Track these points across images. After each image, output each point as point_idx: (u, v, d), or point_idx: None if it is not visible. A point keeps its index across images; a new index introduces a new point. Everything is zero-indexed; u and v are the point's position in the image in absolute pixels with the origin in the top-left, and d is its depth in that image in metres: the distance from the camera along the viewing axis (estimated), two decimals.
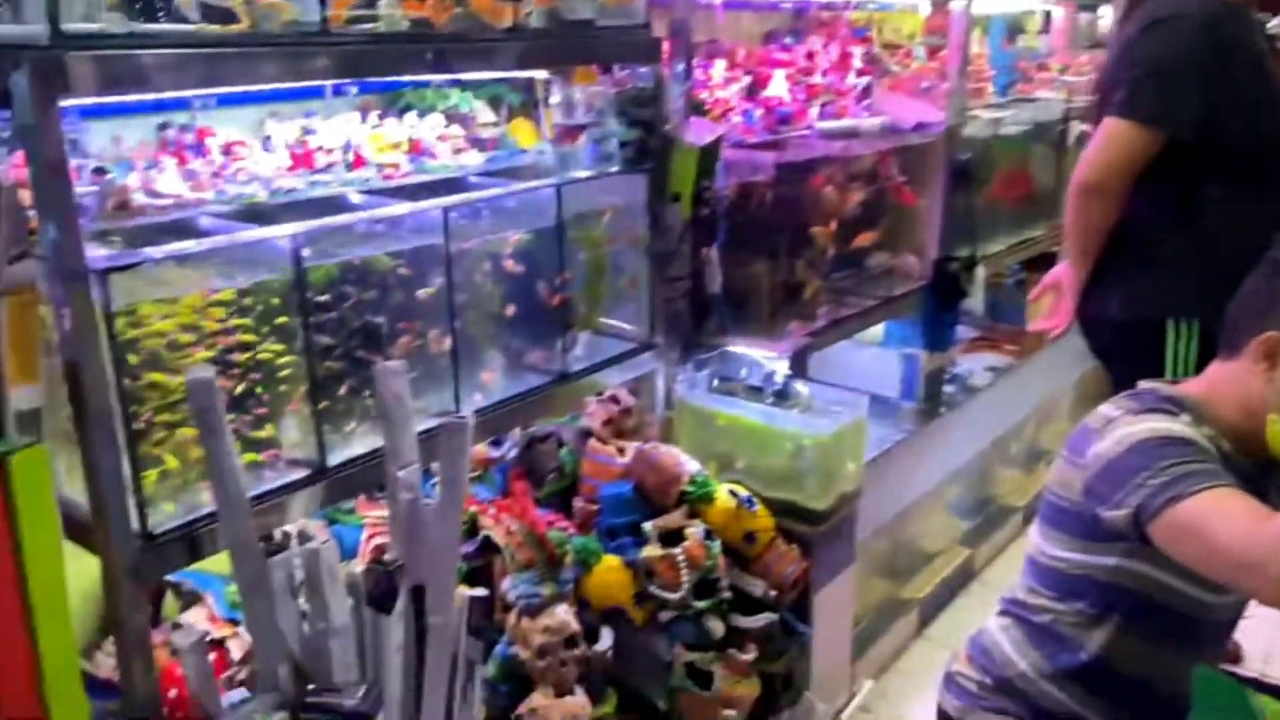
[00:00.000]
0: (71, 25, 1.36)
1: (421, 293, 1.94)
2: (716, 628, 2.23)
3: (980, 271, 3.37)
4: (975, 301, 3.41)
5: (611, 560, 2.22)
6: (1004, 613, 1.81)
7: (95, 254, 1.45)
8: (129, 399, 1.50)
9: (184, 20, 1.50)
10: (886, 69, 3.31)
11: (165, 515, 1.58)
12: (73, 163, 1.46)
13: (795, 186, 2.73)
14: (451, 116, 2.37)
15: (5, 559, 1.24)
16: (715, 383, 2.60)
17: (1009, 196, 3.77)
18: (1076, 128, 3.89)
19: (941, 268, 3.28)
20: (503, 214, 2.12)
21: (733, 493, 2.33)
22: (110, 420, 1.44)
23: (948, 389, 3.51)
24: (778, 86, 3.00)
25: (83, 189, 1.65)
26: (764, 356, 2.54)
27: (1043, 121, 3.80)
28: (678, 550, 2.18)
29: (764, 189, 2.65)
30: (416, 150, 2.20)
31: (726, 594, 2.24)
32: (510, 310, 2.13)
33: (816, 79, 3.17)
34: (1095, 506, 1.56)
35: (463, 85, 2.48)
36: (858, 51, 3.29)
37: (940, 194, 3.28)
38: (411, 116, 2.28)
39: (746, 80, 3.00)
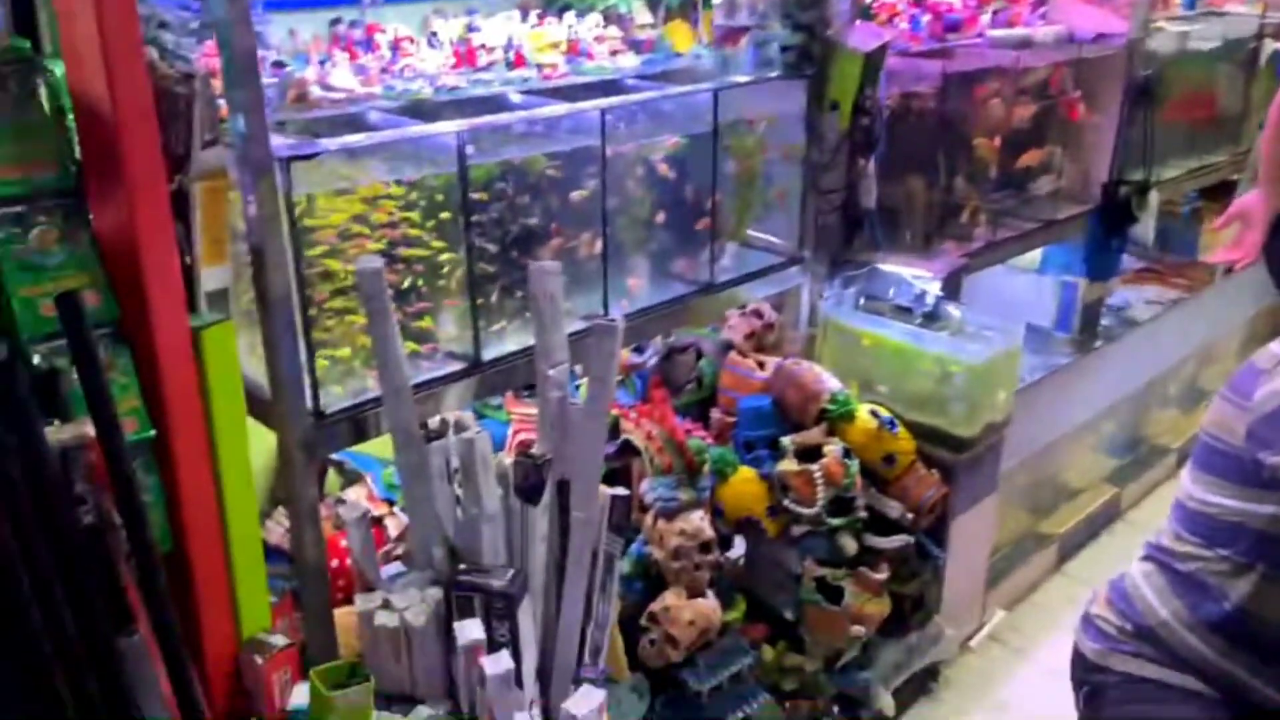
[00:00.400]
0: None
1: (575, 195, 1.95)
2: (849, 545, 2.23)
3: (1154, 197, 3.16)
4: (1144, 229, 3.19)
5: (747, 472, 2.23)
6: (1147, 558, 1.74)
7: (277, 143, 1.51)
8: (306, 284, 1.57)
9: None
10: None
11: (335, 397, 1.67)
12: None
13: (961, 98, 2.59)
14: (609, 17, 2.34)
15: (197, 424, 1.34)
16: (862, 301, 2.54)
17: (1190, 119, 3.49)
18: (1270, 46, 3.56)
19: (1112, 191, 3.08)
20: (658, 118, 2.09)
21: (874, 413, 2.30)
22: (290, 303, 1.52)
23: (1105, 321, 3.34)
24: None
25: (265, 81, 1.71)
26: (915, 276, 2.46)
27: (1233, 39, 3.48)
28: (815, 467, 2.17)
29: (928, 100, 2.53)
30: (574, 51, 2.18)
31: (862, 514, 2.22)
32: (660, 217, 2.13)
33: None
34: (1257, 451, 1.47)
35: None
36: None
37: (1116, 112, 3.06)
38: (570, 16, 2.26)
39: None
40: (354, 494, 2.09)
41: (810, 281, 2.47)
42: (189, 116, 1.33)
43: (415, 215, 1.72)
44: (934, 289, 2.44)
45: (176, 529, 1.33)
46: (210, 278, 1.43)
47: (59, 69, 1.23)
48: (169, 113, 1.32)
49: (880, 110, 2.30)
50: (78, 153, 1.23)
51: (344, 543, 1.92)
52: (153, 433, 1.27)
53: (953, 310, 2.42)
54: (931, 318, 2.44)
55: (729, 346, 2.52)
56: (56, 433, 1.13)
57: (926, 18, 2.71)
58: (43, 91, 1.20)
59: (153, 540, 1.22)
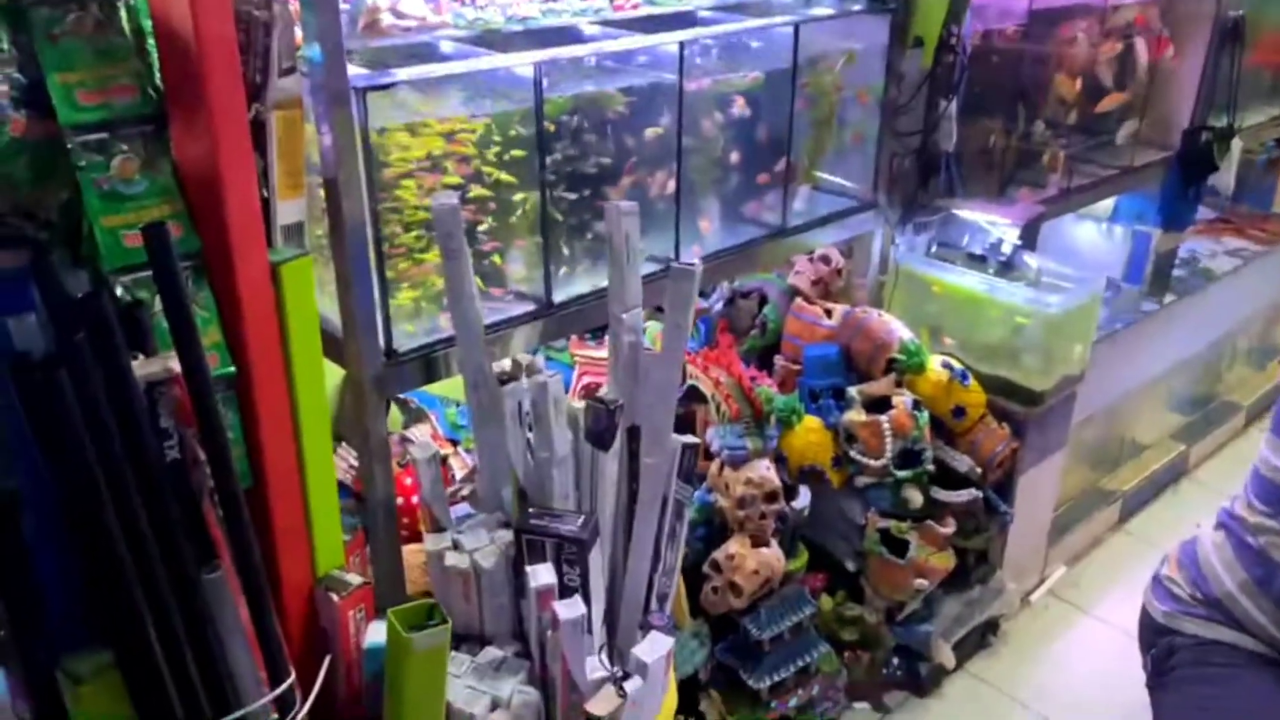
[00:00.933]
0: None
1: (649, 132, 1.89)
2: (915, 498, 2.19)
3: (1236, 145, 3.03)
4: (1224, 179, 3.06)
5: (813, 421, 2.19)
6: (1220, 525, 1.69)
7: (353, 73, 1.46)
8: (380, 220, 1.54)
9: None
10: None
11: (406, 335, 1.64)
12: None
13: (1045, 37, 2.48)
14: None
15: (276, 361, 1.32)
16: (934, 248, 2.47)
17: (1276, 63, 3.33)
18: None
19: (1193, 138, 2.96)
20: (734, 53, 2.01)
21: (945, 364, 2.24)
22: (364, 238, 1.48)
23: (1178, 273, 3.23)
24: None
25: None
26: (991, 224, 2.38)
27: None
28: (883, 418, 2.13)
29: (1011, 38, 2.42)
30: None
31: (930, 466, 2.18)
32: (733, 157, 2.06)
33: None
34: None
35: None
36: None
37: (1201, 55, 2.92)
38: None
39: None
40: (419, 432, 2.07)
41: (883, 227, 2.39)
42: (268, 43, 1.29)
43: (489, 152, 1.67)
44: (1011, 237, 2.36)
45: (256, 465, 1.31)
46: (286, 211, 1.39)
47: None
48: (247, 38, 1.28)
49: (965, 48, 2.20)
50: (158, 79, 1.19)
51: (409, 480, 1.91)
52: (234, 369, 1.25)
53: (1029, 260, 2.34)
54: (1007, 267, 2.36)
55: (795, 292, 2.46)
56: (142, 367, 1.11)
57: None
58: (123, 12, 1.16)
59: (235, 476, 1.20)
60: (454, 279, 1.54)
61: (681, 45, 1.83)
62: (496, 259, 1.77)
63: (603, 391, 1.69)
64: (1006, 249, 2.32)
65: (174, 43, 1.14)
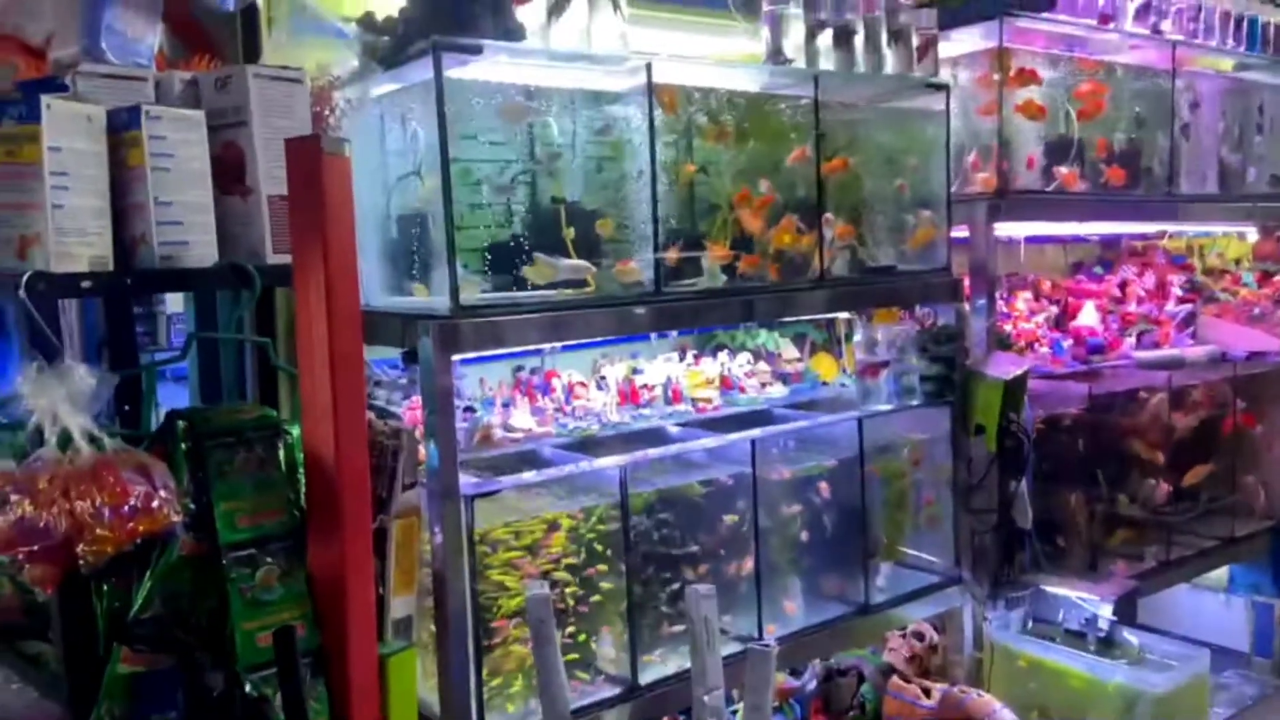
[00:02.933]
0: (467, 297, 1.68)
1: (727, 518, 2.06)
2: None
3: None
4: None
5: None
6: None
7: (466, 481, 1.71)
8: (480, 611, 1.71)
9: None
10: (1212, 296, 3.16)
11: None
12: None
13: (1113, 417, 2.62)
14: (758, 354, 2.57)
15: None
16: (1030, 624, 2.47)
17: None
18: None
19: None
20: (806, 444, 2.22)
21: None
22: (465, 629, 1.64)
23: None
24: (1088, 316, 2.96)
25: (457, 426, 1.96)
26: (1082, 599, 2.38)
27: None
28: None
29: (1077, 420, 2.57)
30: (727, 385, 2.39)
31: None
32: (812, 539, 2.20)
33: (1131, 308, 3.09)
34: None
35: (769, 325, 2.68)
36: (1177, 280, 3.18)
37: None
38: (723, 355, 2.50)
39: (1053, 310, 2.99)
40: None
41: (971, 602, 2.42)
42: (394, 466, 1.55)
43: (580, 543, 1.86)
44: (1105, 612, 2.35)
45: None
46: (398, 606, 1.58)
47: (295, 430, 1.49)
48: (378, 463, 1.54)
49: (1027, 433, 2.36)
50: (303, 500, 1.44)
51: None
52: None
53: (1129, 636, 2.31)
54: (1108, 643, 2.33)
55: (891, 670, 2.46)
56: None
57: (1068, 342, 2.82)
58: (281, 451, 1.44)
59: None
60: (544, 664, 1.66)
61: (753, 443, 2.04)
62: (584, 639, 1.89)
63: None
64: (1103, 625, 2.30)
65: (319, 470, 1.40)
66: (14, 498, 1.18)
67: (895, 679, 2.40)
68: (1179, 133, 2.84)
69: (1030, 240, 3.17)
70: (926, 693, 2.34)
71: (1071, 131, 2.62)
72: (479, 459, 1.98)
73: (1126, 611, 2.43)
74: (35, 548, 1.18)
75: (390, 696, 1.45)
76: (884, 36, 2.22)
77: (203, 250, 1.46)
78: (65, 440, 1.24)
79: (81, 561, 1.19)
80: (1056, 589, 2.40)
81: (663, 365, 2.41)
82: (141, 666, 1.30)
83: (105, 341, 1.73)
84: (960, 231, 2.43)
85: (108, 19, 1.63)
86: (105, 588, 1.32)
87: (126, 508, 1.20)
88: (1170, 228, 3.33)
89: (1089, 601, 2.36)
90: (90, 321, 1.83)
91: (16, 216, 1.32)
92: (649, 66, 1.83)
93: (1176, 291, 3.13)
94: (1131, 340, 2.93)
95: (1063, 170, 2.58)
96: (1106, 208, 2.73)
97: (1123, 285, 3.24)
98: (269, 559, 1.36)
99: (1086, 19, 2.58)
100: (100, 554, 1.20)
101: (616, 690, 1.89)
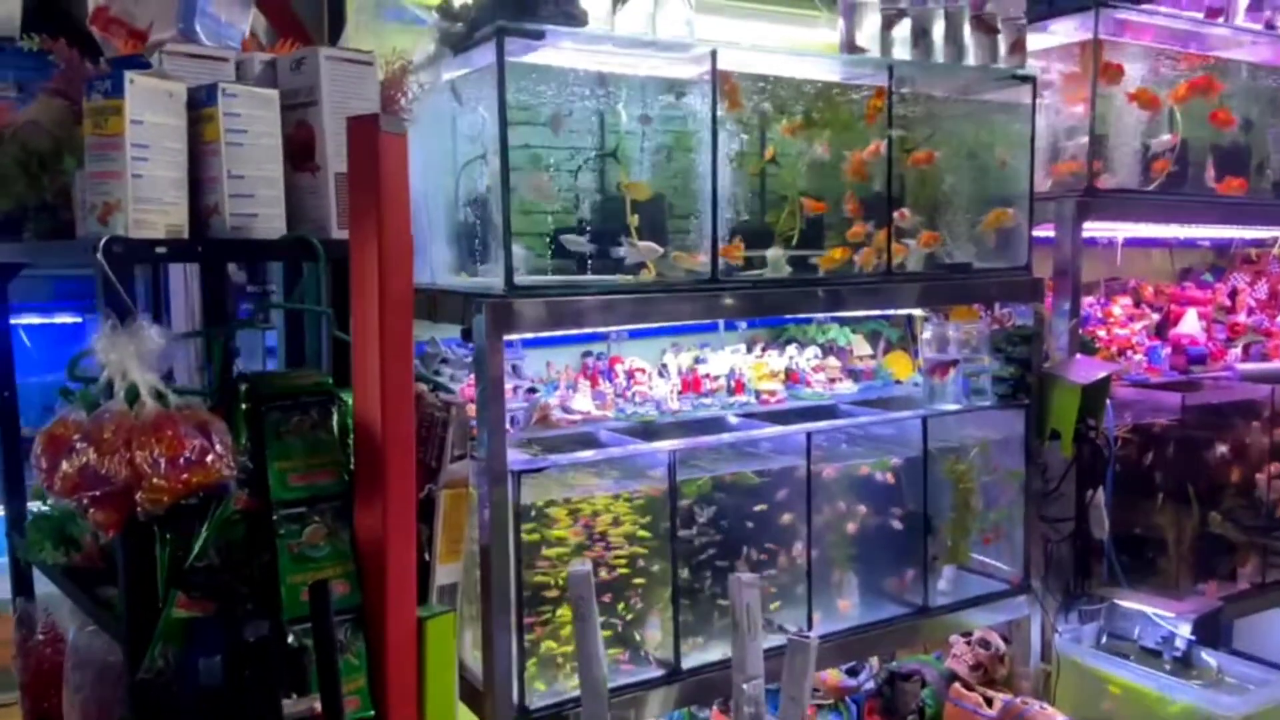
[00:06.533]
0: (521, 278, 1.72)
1: (781, 510, 2.05)
2: None
3: None
4: None
5: None
6: None
7: (516, 457, 1.76)
8: (524, 585, 1.75)
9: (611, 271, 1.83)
10: None
11: (539, 694, 1.78)
12: (510, 384, 1.80)
13: (1211, 431, 2.49)
14: (828, 349, 2.54)
15: (411, 708, 1.49)
16: (1104, 639, 2.37)
17: None
18: None
19: None
20: (868, 441, 2.19)
21: None
22: (508, 601, 1.69)
23: None
24: (1189, 324, 2.82)
25: (516, 405, 2.01)
26: (1160, 616, 2.28)
27: None
28: None
29: (1167, 430, 2.45)
30: (794, 380, 2.37)
31: None
32: (871, 536, 2.16)
33: (1240, 318, 2.93)
34: None
35: (843, 321, 2.64)
36: None
37: None
38: (791, 349, 2.48)
39: (1154, 318, 2.86)
40: None
41: (1041, 613, 2.34)
42: (444, 437, 1.60)
43: (628, 525, 1.88)
44: (1184, 631, 2.24)
45: None
46: (444, 573, 1.63)
47: (349, 397, 1.55)
48: (429, 433, 1.60)
49: (1108, 440, 2.26)
50: (352, 464, 1.51)
51: None
52: (371, 713, 1.42)
53: (1207, 657, 2.20)
54: (1184, 663, 2.22)
55: (954, 677, 2.40)
56: (293, 705, 1.31)
57: (1166, 350, 2.69)
58: (334, 417, 1.51)
59: None
60: (584, 640, 1.69)
61: (809, 435, 2.02)
62: (631, 618, 1.91)
63: None
64: (1180, 644, 2.20)
65: (367, 437, 1.46)
66: (80, 446, 1.26)
67: (957, 686, 2.35)
68: None
69: (1131, 243, 3.04)
70: (989, 702, 2.28)
71: (1175, 129, 2.51)
72: (538, 439, 2.02)
73: (1210, 632, 2.31)
74: (98, 493, 1.26)
75: (428, 657, 1.50)
76: (966, 27, 2.17)
77: (271, 222, 1.53)
78: (133, 395, 1.32)
79: (139, 509, 1.27)
80: (1132, 604, 2.30)
81: (728, 356, 2.41)
82: (196, 612, 1.38)
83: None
84: (1047, 231, 2.35)
85: (202, 3, 1.74)
86: (168, 536, 1.41)
87: (181, 460, 1.28)
88: None
89: (1166, 619, 2.25)
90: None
91: (101, 184, 1.41)
92: (714, 54, 1.83)
93: None
94: (1237, 351, 2.78)
95: (1157, 168, 2.46)
96: (1204, 209, 2.59)
97: (1233, 294, 3.07)
98: (317, 518, 1.43)
99: (1192, 12, 2.46)
100: (157, 502, 1.27)
101: (659, 672, 1.90)
